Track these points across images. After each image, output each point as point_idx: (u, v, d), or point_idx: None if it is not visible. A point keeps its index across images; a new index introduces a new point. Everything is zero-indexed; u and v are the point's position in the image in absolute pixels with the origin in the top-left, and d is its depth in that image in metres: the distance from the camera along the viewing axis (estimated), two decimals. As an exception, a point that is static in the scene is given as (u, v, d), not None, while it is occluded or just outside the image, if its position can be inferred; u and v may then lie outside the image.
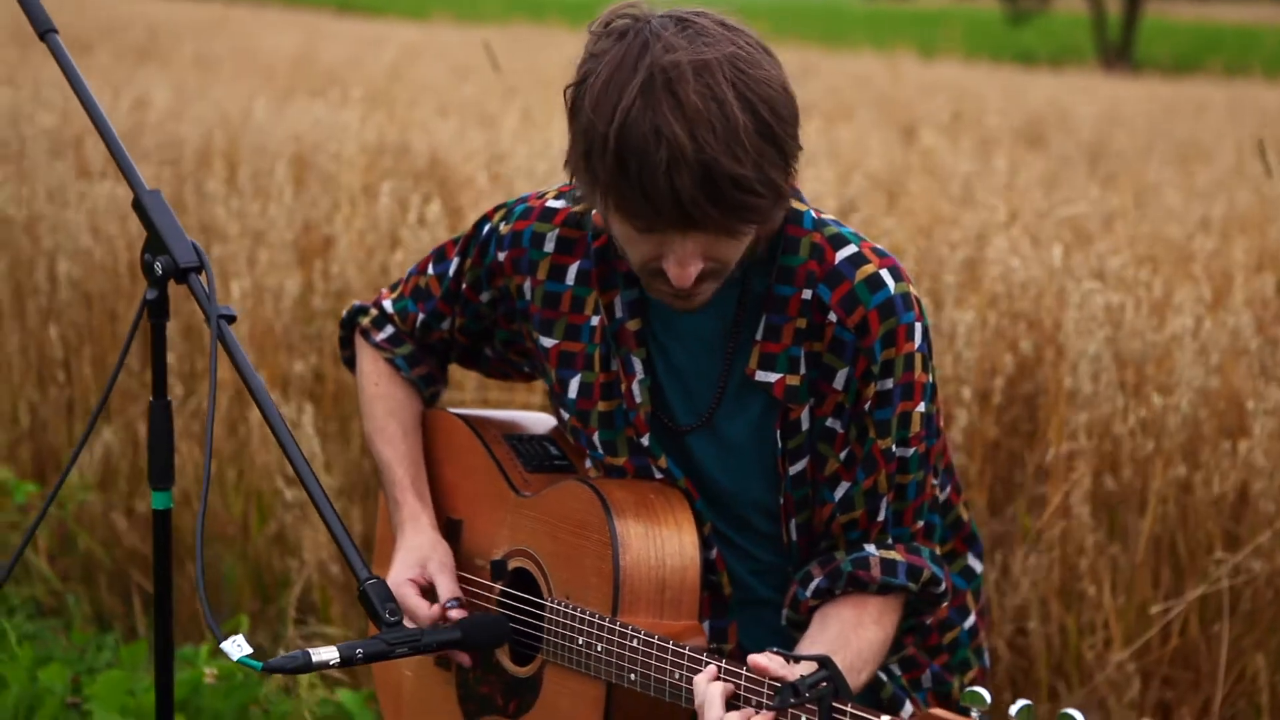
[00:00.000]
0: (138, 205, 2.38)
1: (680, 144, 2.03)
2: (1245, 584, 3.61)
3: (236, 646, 2.04)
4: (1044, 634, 3.75)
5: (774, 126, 2.09)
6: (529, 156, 5.43)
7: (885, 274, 2.25)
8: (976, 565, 2.53)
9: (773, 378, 2.27)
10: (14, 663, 3.72)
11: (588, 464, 2.46)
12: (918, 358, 2.28)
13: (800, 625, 2.31)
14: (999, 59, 19.43)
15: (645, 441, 2.33)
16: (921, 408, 2.29)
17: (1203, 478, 3.61)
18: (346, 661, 2.08)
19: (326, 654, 2.06)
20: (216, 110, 6.99)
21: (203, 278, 2.30)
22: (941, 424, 2.41)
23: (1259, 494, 3.58)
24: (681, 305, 2.22)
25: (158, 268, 2.33)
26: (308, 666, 2.05)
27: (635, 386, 2.34)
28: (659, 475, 2.34)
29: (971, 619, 2.46)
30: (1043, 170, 6.57)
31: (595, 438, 2.37)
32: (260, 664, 2.04)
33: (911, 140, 7.56)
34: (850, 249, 2.26)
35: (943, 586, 2.31)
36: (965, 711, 1.88)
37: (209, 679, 3.68)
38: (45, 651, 4.09)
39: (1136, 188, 5.31)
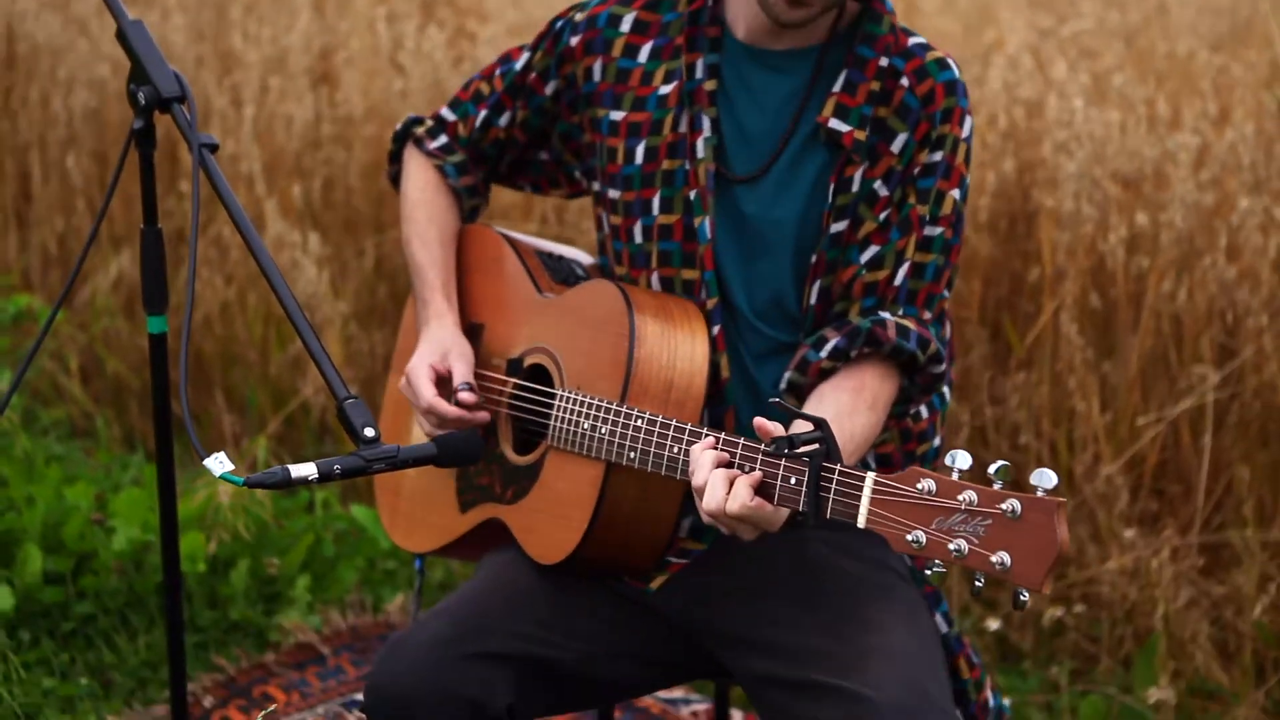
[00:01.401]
0: (120, 35, 2.43)
1: None
2: (1232, 397, 3.68)
3: (218, 463, 2.13)
4: (1035, 449, 3.83)
5: None
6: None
7: (950, 61, 2.41)
8: (947, 392, 2.60)
9: (845, 128, 2.38)
10: (42, 482, 3.87)
11: (616, 270, 2.53)
12: (963, 146, 2.40)
13: (800, 390, 2.38)
14: None
15: (692, 196, 2.42)
16: (956, 194, 2.40)
17: (1191, 292, 3.65)
18: (325, 477, 2.16)
19: (305, 470, 2.14)
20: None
21: (185, 107, 2.35)
22: (963, 236, 2.50)
23: (1247, 308, 3.62)
24: (791, 15, 2.33)
25: (141, 98, 2.38)
26: (287, 482, 2.13)
27: (700, 143, 2.43)
28: (696, 236, 2.41)
29: (938, 440, 2.54)
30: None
31: (655, 198, 2.46)
32: (241, 479, 2.13)
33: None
34: (920, 39, 2.43)
35: (944, 366, 2.39)
36: (947, 470, 1.96)
37: (225, 497, 3.81)
38: (73, 471, 4.24)
39: (1144, 7, 5.25)
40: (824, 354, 2.35)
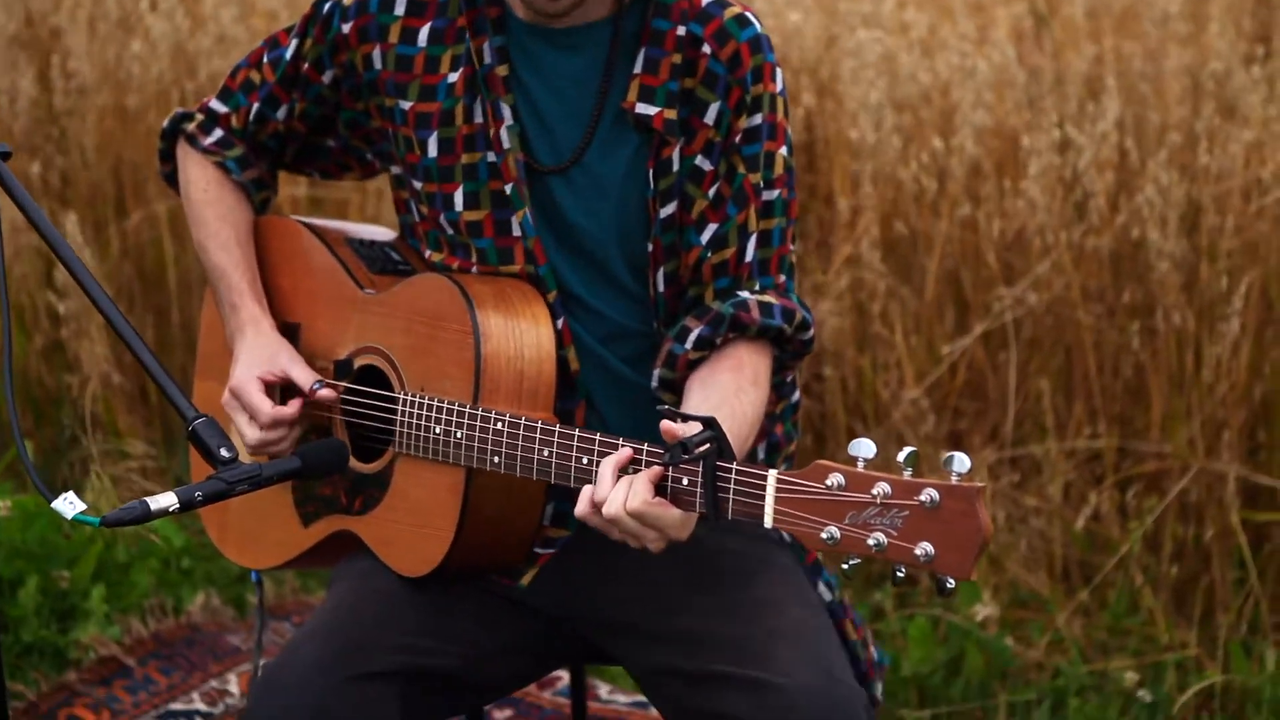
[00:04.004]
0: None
1: None
2: (1026, 315, 3.75)
3: (69, 505, 1.95)
4: (839, 377, 3.85)
5: None
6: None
7: (749, 15, 2.31)
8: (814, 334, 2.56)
9: (652, 110, 2.27)
10: None
11: (428, 254, 2.41)
12: (780, 101, 2.31)
13: (672, 385, 2.30)
14: None
15: (508, 190, 2.30)
16: (784, 152, 2.32)
17: (985, 215, 3.70)
18: (186, 506, 2.01)
19: (165, 500, 1.99)
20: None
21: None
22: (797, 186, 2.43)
23: (1035, 228, 3.69)
24: (551, 5, 2.22)
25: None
26: (147, 516, 1.97)
27: (504, 132, 2.31)
28: (517, 231, 2.31)
29: (797, 394, 2.49)
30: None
31: (458, 194, 2.33)
32: (98, 519, 1.96)
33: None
34: None
35: (811, 332, 2.33)
36: (852, 460, 1.90)
37: (2, 511, 3.56)
38: None
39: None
40: (689, 345, 2.27)
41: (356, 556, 2.39)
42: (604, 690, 3.55)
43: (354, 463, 2.39)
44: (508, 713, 3.49)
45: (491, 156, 2.32)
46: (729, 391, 2.24)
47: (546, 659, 2.44)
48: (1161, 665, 3.45)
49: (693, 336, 2.27)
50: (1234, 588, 3.57)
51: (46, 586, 3.55)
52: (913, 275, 3.80)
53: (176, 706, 3.43)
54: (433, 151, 2.34)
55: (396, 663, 2.23)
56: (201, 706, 3.44)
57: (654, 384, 2.31)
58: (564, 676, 3.46)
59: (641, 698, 3.40)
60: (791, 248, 2.38)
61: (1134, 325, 3.63)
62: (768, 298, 2.29)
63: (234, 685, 3.50)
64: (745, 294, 2.29)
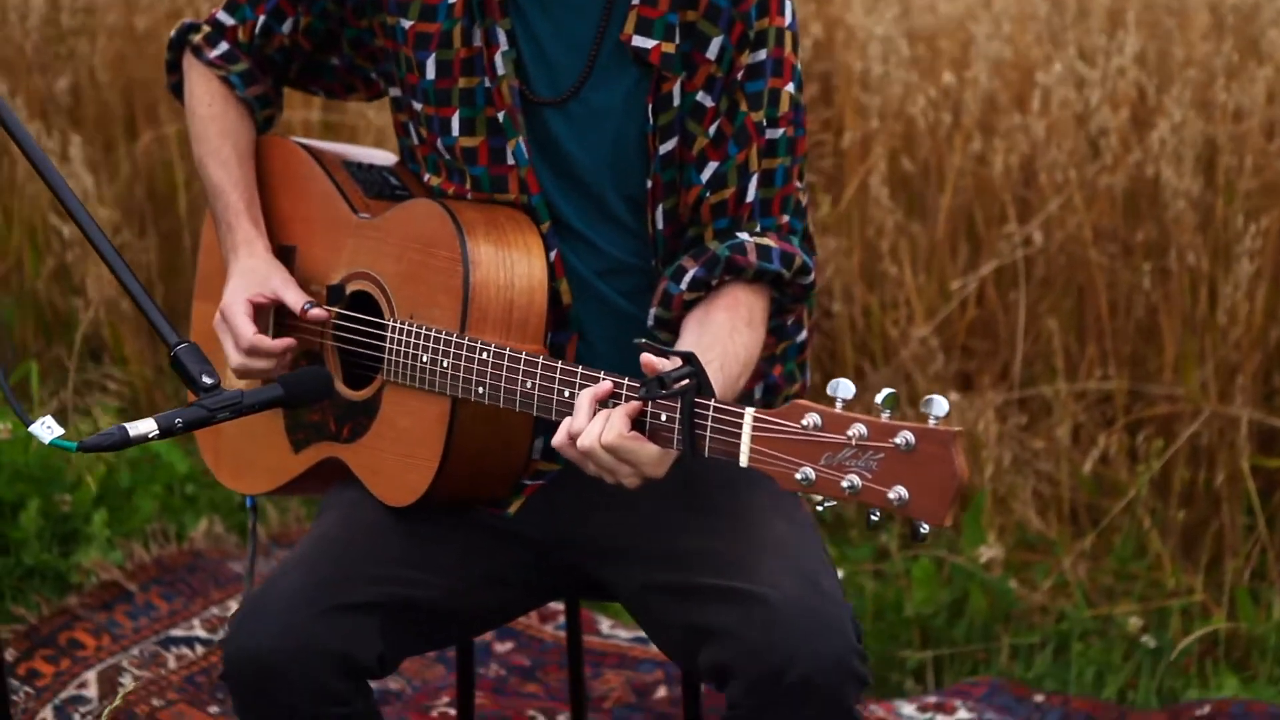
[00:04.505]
0: None
1: None
2: (1038, 253, 3.69)
3: (46, 429, 1.94)
4: (848, 315, 3.81)
5: None
6: None
7: None
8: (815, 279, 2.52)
9: (649, 44, 2.22)
10: None
11: (427, 178, 2.38)
12: (788, 35, 2.26)
13: (669, 324, 2.27)
14: None
15: (501, 118, 2.26)
16: (791, 88, 2.27)
17: (998, 150, 3.64)
18: (166, 433, 1.99)
19: (144, 427, 1.97)
20: None
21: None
22: (806, 123, 2.38)
23: (1048, 165, 3.63)
24: None
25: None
26: (126, 442, 1.96)
27: (499, 58, 2.27)
28: (511, 160, 2.28)
29: (804, 334, 2.46)
30: None
31: (454, 119, 2.30)
32: (75, 444, 1.94)
33: None
34: None
35: (812, 277, 2.29)
36: (831, 401, 1.87)
37: (3, 434, 3.55)
38: None
39: None
40: (684, 286, 2.24)
41: (345, 486, 2.38)
42: (605, 625, 3.55)
43: (344, 390, 2.37)
44: (509, 645, 3.49)
45: (488, 82, 2.28)
46: (723, 332, 2.21)
47: (537, 590, 2.42)
48: (1166, 611, 3.42)
49: (688, 278, 2.24)
50: (1243, 534, 3.53)
51: (48, 510, 3.55)
52: (924, 212, 3.75)
53: (177, 632, 3.43)
54: (431, 74, 2.30)
55: (379, 594, 2.21)
56: (202, 633, 3.45)
57: (650, 323, 2.28)
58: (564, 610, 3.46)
59: (642, 633, 3.39)
60: (799, 185, 2.33)
61: (1147, 266, 3.58)
62: (766, 241, 2.25)
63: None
64: (744, 236, 2.26)
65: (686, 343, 2.22)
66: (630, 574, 2.27)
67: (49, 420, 1.94)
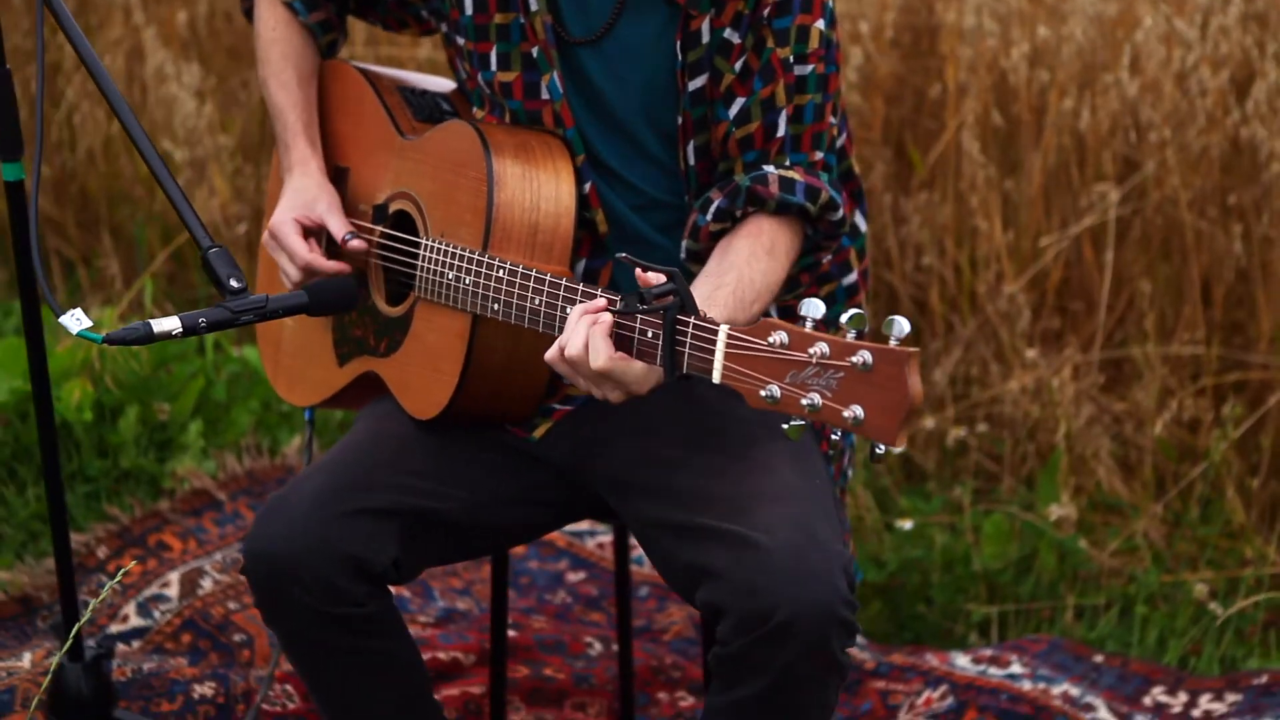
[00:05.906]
0: None
1: None
2: (1134, 213, 3.64)
3: (75, 320, 2.04)
4: (938, 269, 3.79)
5: None
6: None
7: None
8: (862, 224, 2.52)
9: None
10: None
11: (474, 111, 2.45)
12: None
13: (699, 256, 2.31)
14: None
15: (535, 53, 2.31)
16: (821, 25, 2.28)
17: (1095, 107, 3.59)
18: (190, 330, 2.08)
19: (169, 324, 2.06)
20: None
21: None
22: (840, 60, 2.39)
23: (1149, 123, 3.56)
24: None
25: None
26: (150, 337, 2.05)
27: None
28: (545, 94, 2.33)
29: (853, 276, 2.46)
30: None
31: (492, 53, 2.36)
32: (100, 336, 2.04)
33: None
34: None
35: (840, 213, 2.30)
36: (801, 320, 1.90)
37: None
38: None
39: None
40: (709, 217, 2.27)
41: (382, 399, 2.46)
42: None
43: (383, 305, 2.45)
44: (581, 575, 3.56)
45: (522, 18, 2.32)
46: (740, 258, 2.24)
47: (562, 511, 2.48)
48: (1239, 580, 3.36)
49: (713, 208, 2.27)
50: (1325, 508, 3.46)
51: (146, 418, 3.70)
52: (1017, 167, 3.71)
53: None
54: (469, 9, 2.36)
55: (397, 501, 2.29)
56: (284, 543, 3.57)
57: (682, 255, 2.32)
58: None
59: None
60: (832, 121, 2.34)
61: (1239, 229, 3.50)
62: (792, 174, 2.27)
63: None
64: (769, 168, 2.28)
65: (709, 269, 2.25)
66: (640, 508, 2.32)
67: (78, 313, 2.05)
